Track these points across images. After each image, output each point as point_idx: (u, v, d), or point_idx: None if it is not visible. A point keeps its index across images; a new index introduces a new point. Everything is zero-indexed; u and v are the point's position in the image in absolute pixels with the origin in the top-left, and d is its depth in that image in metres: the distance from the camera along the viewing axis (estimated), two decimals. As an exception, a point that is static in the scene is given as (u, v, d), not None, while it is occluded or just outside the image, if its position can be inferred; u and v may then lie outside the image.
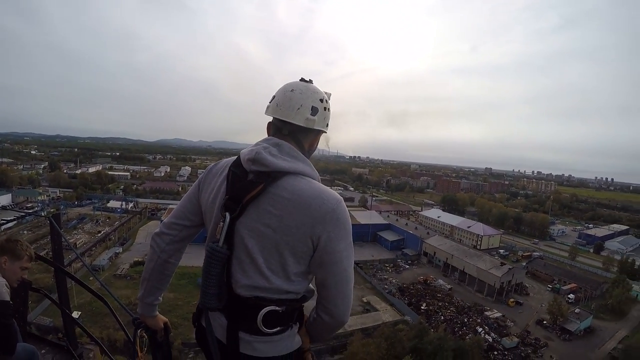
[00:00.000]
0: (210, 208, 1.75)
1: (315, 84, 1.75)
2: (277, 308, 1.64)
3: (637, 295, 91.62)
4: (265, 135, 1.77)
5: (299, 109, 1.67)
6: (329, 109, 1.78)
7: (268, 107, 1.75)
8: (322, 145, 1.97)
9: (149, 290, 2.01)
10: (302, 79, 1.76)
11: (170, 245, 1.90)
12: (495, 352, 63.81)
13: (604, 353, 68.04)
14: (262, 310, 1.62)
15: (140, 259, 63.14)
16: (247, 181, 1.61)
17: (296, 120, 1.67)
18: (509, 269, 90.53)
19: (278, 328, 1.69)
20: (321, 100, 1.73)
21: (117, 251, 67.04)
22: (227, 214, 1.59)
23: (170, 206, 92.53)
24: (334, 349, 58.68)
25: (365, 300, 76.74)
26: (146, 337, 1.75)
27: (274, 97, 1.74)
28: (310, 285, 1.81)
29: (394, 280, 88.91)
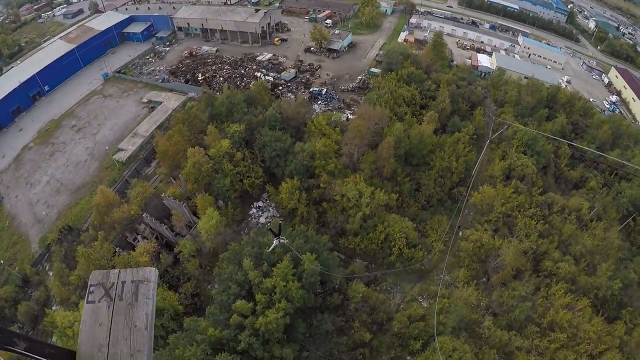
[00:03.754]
0: None
1: None
2: None
3: (385, 10, 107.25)
4: None
5: None
6: None
7: None
8: None
9: None
10: None
11: None
12: (280, 87, 68.00)
13: (369, 59, 78.71)
14: None
15: None
16: None
17: None
18: (265, 12, 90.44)
19: None
20: None
21: None
22: None
23: None
24: (146, 160, 57.50)
25: (146, 100, 71.64)
26: None
27: None
28: None
29: (161, 68, 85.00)
